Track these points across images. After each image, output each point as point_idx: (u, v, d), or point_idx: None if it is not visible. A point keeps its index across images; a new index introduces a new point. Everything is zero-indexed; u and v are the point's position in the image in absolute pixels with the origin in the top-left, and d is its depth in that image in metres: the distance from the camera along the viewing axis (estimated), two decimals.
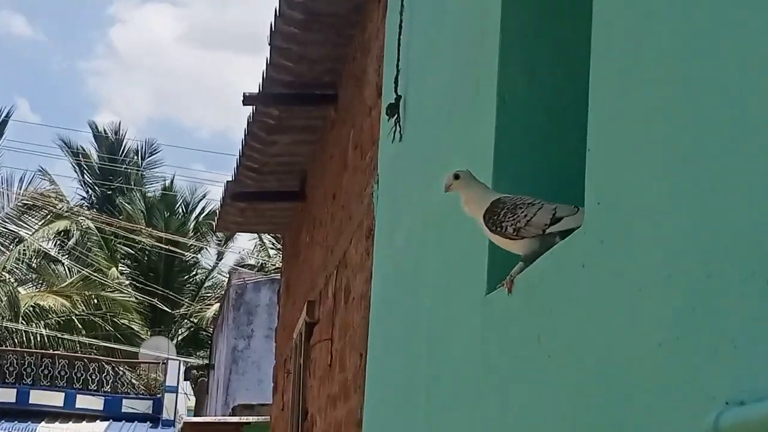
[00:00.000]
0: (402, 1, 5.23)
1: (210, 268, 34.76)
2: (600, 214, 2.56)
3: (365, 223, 6.12)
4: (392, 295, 5.15)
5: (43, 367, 25.95)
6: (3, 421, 24.53)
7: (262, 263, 31.46)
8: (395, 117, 5.16)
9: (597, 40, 2.68)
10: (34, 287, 32.03)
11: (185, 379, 26.20)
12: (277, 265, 26.13)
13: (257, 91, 7.99)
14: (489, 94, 3.51)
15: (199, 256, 34.60)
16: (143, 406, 26.03)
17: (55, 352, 27.68)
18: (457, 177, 3.29)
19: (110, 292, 31.21)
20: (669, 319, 2.13)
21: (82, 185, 35.88)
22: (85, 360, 26.75)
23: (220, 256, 34.91)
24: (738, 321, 1.87)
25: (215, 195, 38.73)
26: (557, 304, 2.81)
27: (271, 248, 31.86)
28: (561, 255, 2.84)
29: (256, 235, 30.35)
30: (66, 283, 31.05)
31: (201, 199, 34.71)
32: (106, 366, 26.57)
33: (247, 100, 8.03)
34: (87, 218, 33.32)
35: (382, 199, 5.66)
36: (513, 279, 3.12)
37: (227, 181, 9.86)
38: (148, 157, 35.91)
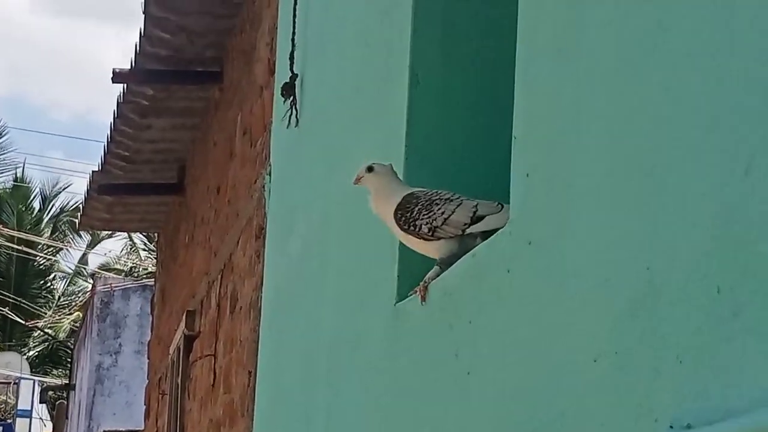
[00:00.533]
0: None
1: (71, 272, 34.32)
2: (528, 212, 2.58)
3: (255, 220, 6.09)
4: (286, 304, 5.13)
5: None
6: None
7: (132, 267, 31.14)
8: (291, 98, 5.14)
9: (525, 6, 2.69)
10: None
11: (41, 402, 25.87)
12: (150, 270, 25.87)
13: (129, 66, 7.91)
14: (400, 71, 3.51)
15: (57, 258, 34.14)
16: None
17: None
18: (370, 170, 3.25)
19: None
20: (606, 330, 2.15)
21: None
22: None
23: (82, 258, 34.49)
24: (684, 332, 1.89)
25: (78, 188, 38.20)
26: (478, 315, 2.82)
27: (144, 249, 31.55)
28: (483, 258, 2.85)
29: (125, 234, 30.02)
30: None
31: (59, 193, 34.25)
32: None
33: (117, 77, 7.95)
34: None
35: (275, 193, 5.64)
36: (427, 286, 3.12)
37: (93, 171, 9.75)
38: None
